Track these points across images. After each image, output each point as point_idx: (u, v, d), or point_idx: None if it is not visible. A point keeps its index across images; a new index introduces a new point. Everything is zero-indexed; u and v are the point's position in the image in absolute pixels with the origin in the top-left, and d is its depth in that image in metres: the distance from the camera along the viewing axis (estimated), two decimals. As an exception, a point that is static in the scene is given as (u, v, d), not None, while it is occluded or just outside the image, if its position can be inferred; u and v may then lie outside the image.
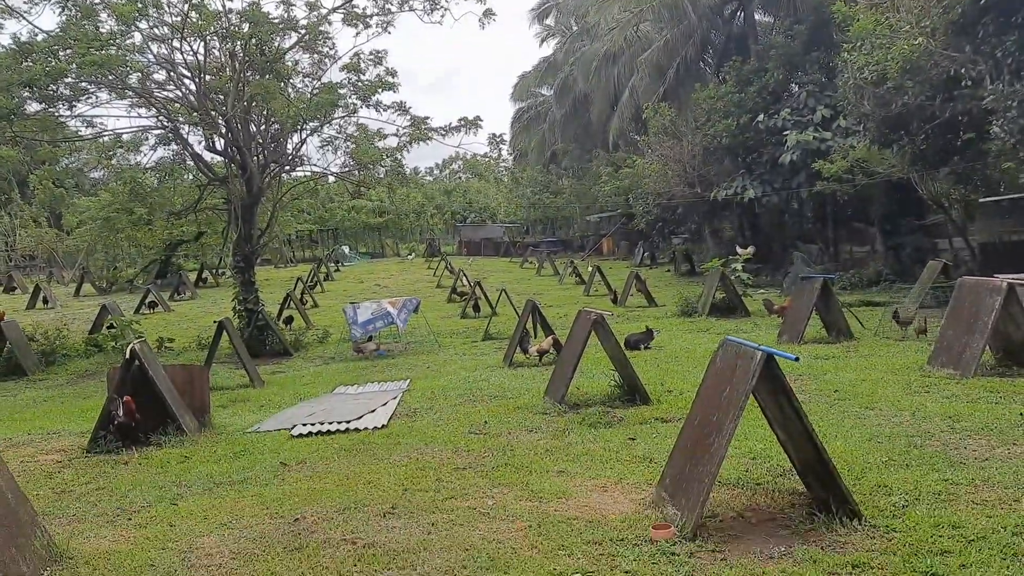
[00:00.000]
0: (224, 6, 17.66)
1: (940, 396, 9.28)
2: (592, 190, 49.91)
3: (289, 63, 19.26)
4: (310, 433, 9.35)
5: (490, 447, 8.17)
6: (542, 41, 60.24)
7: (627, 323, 18.33)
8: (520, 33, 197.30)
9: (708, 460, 5.49)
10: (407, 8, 18.43)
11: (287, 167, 20.61)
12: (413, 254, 61.87)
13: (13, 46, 16.16)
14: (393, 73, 19.21)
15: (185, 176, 20.65)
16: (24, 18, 16.73)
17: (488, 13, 18.11)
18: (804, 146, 25.37)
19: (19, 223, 49.43)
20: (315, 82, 19.91)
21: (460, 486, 6.89)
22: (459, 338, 18.78)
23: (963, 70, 17.49)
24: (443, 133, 19.50)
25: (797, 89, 27.77)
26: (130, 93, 17.68)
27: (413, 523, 6.01)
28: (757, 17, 34.00)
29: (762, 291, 23.77)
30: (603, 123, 44.53)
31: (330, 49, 19.67)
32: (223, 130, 18.03)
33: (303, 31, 18.43)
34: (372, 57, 19.19)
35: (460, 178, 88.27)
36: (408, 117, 19.49)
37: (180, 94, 18.21)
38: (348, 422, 9.73)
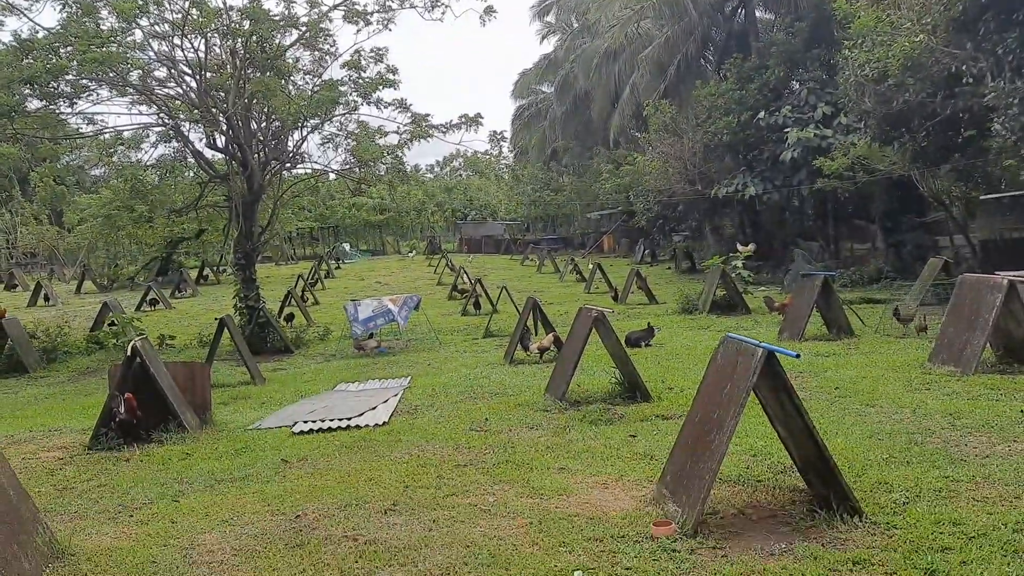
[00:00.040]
0: (225, 3, 17.66)
1: (941, 393, 9.29)
2: (593, 187, 49.88)
3: (290, 60, 19.24)
4: (311, 430, 9.37)
5: (491, 444, 8.18)
6: (543, 38, 60.18)
7: (628, 320, 18.34)
8: (521, 30, 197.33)
9: (709, 457, 5.49)
10: (408, 5, 18.42)
11: (288, 164, 20.61)
12: (414, 252, 61.80)
13: (14, 43, 16.16)
14: (394, 70, 19.20)
15: (186, 173, 20.66)
16: (25, 15, 16.74)
17: (489, 10, 18.10)
18: (805, 143, 25.35)
19: (20, 220, 49.42)
20: (316, 79, 19.91)
21: (461, 483, 6.90)
22: (460, 335, 18.79)
23: (964, 67, 17.47)
24: (444, 130, 19.49)
25: (798, 86, 27.74)
26: (131, 90, 17.68)
27: (414, 520, 6.02)
28: (758, 14, 33.96)
29: (763, 288, 23.76)
30: (604, 120, 44.50)
31: (331, 46, 19.67)
32: (224, 127, 18.02)
33: (304, 28, 18.41)
34: (373, 54, 19.18)
35: (461, 175, 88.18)
36: (409, 114, 19.50)
37: (181, 91, 18.20)
38: (349, 419, 9.74)
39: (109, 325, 20.47)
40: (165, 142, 19.36)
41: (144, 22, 17.27)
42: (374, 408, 10.36)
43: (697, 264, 33.25)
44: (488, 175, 70.60)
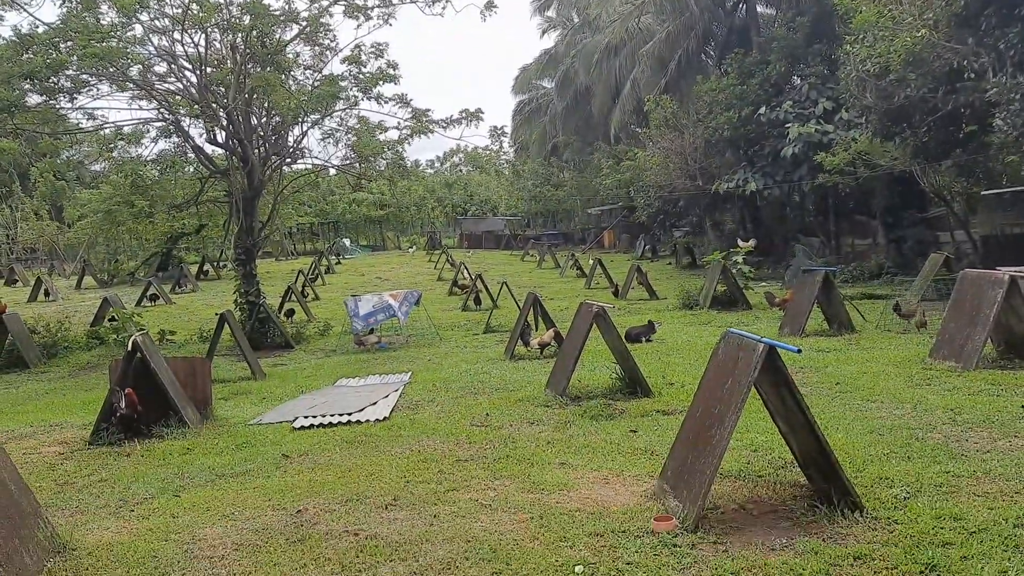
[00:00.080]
0: (225, -2, 17.62)
1: (942, 388, 9.29)
2: (593, 183, 49.88)
3: (290, 55, 19.22)
4: (312, 425, 9.37)
5: (492, 439, 8.18)
6: (543, 33, 60.13)
7: (628, 316, 18.34)
8: (521, 25, 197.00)
9: (710, 452, 5.49)
10: (408, 0, 18.37)
11: (288, 160, 20.58)
12: (414, 247, 61.81)
13: (14, 38, 16.12)
14: (394, 65, 19.16)
15: (186, 169, 20.62)
16: (25, 10, 16.70)
17: (490, 5, 18.03)
18: (806, 139, 25.33)
19: (20, 216, 49.44)
20: (316, 74, 19.90)
21: (462, 478, 6.90)
22: (460, 331, 18.79)
23: (965, 62, 17.45)
24: (444, 126, 19.46)
25: (799, 81, 27.72)
26: (131, 85, 17.65)
27: (415, 515, 6.02)
28: (759, 9, 33.90)
29: (763, 284, 23.75)
30: (604, 116, 44.46)
31: (331, 41, 19.62)
32: (224, 122, 18.00)
33: (304, 23, 18.36)
34: (373, 50, 19.14)
35: (461, 171, 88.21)
36: (409, 109, 19.46)
37: (181, 86, 18.18)
38: (350, 414, 9.74)
39: (109, 320, 20.47)
40: (165, 137, 19.34)
41: (144, 17, 17.25)
42: (375, 403, 10.36)
43: (698, 260, 33.28)
44: (488, 170, 70.60)
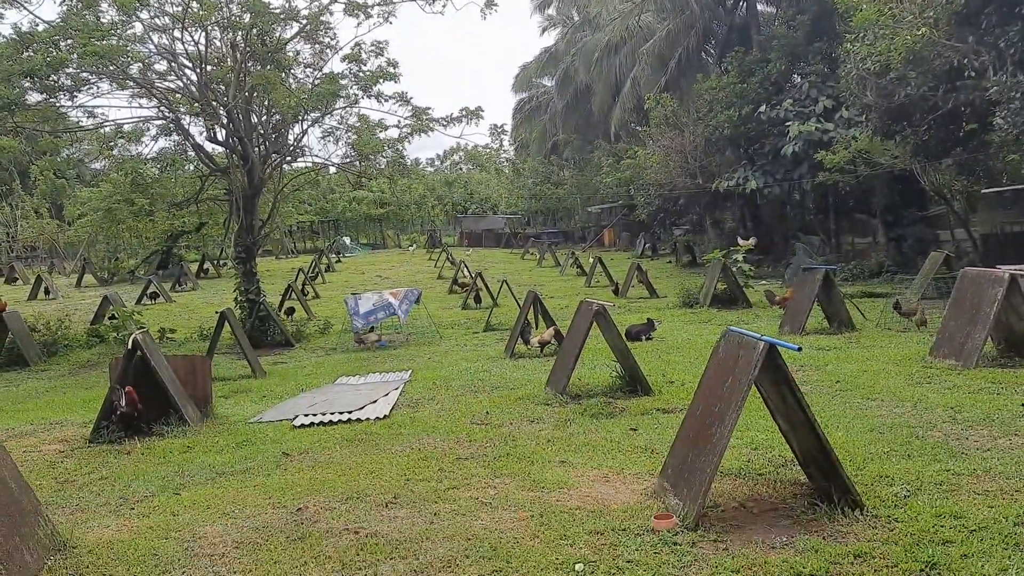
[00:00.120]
0: (225, -4, 17.60)
1: (942, 387, 9.29)
2: (593, 181, 49.86)
3: (290, 53, 19.20)
4: (312, 423, 9.37)
5: (492, 437, 8.18)
6: (543, 31, 60.11)
7: (628, 314, 18.33)
8: (522, 23, 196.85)
9: (710, 450, 5.49)
10: (408, -3, 18.35)
11: (288, 158, 20.57)
12: (414, 245, 61.80)
13: (14, 36, 16.12)
14: (394, 64, 19.13)
15: (186, 167, 20.60)
16: (25, 8, 16.70)
17: (490, 3, 18.00)
18: (806, 137, 25.32)
19: (20, 214, 49.45)
20: (316, 73, 19.87)
21: (462, 476, 6.90)
22: (460, 329, 18.79)
23: (966, 61, 17.44)
24: (444, 124, 19.43)
25: (799, 80, 27.70)
26: (131, 83, 17.64)
27: (415, 513, 6.02)
28: (759, 7, 33.89)
29: (764, 282, 23.75)
30: (605, 114, 44.43)
31: (331, 39, 19.58)
32: (224, 121, 17.99)
33: (304, 21, 18.35)
34: (373, 48, 19.12)
35: (461, 169, 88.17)
36: (409, 108, 19.44)
37: (181, 84, 18.16)
38: (350, 412, 9.75)
39: (110, 319, 20.47)
40: (165, 135, 19.33)
41: (144, 15, 17.23)
42: (375, 401, 10.36)
43: (698, 258, 33.27)
44: (489, 169, 70.55)
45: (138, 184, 19.01)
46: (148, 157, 19.75)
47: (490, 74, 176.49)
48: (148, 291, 29.58)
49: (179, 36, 17.77)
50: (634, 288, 23.99)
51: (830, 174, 23.68)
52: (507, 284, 22.93)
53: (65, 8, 16.39)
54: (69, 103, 17.61)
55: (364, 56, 19.03)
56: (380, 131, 19.93)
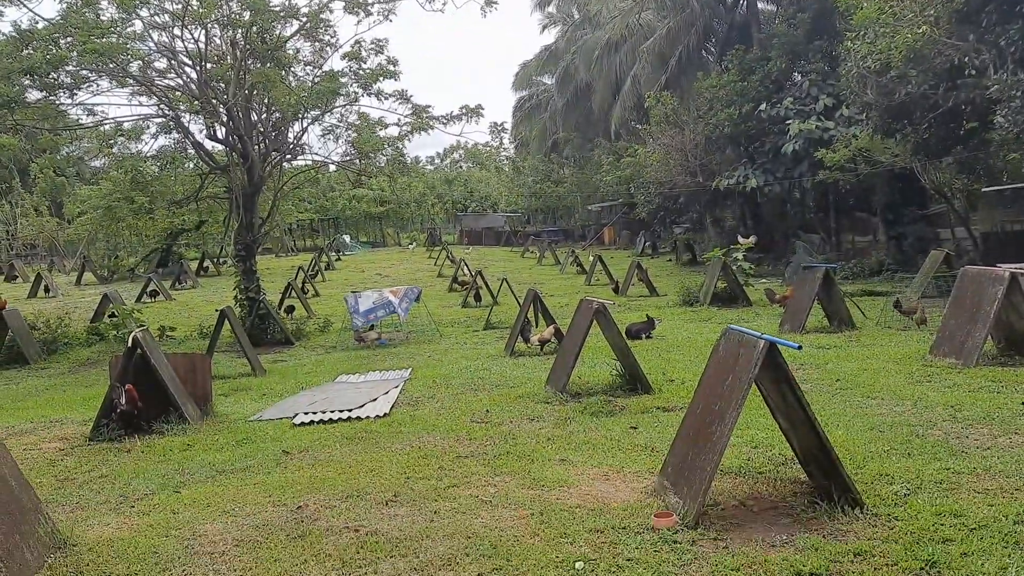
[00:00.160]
0: (225, -7, 17.58)
1: (942, 385, 9.29)
2: (594, 179, 49.85)
3: (290, 51, 19.18)
4: (312, 422, 9.37)
5: (492, 436, 8.18)
6: (543, 29, 60.10)
7: (628, 312, 18.33)
8: (522, 21, 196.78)
9: (710, 449, 5.49)
10: (409, -5, 18.36)
11: (288, 156, 20.57)
12: (414, 243, 61.82)
13: (14, 34, 16.11)
14: (394, 62, 19.14)
15: (186, 165, 20.61)
16: (24, 5, 16.69)
17: (490, 1, 18.01)
18: (807, 135, 25.31)
19: (20, 212, 49.44)
20: (316, 70, 19.86)
21: (462, 474, 6.90)
22: (460, 327, 18.79)
23: (967, 59, 17.43)
24: (444, 122, 19.44)
25: (800, 78, 27.68)
26: (131, 81, 17.61)
27: (415, 511, 6.02)
28: (760, 5, 33.86)
29: (764, 281, 23.75)
30: (605, 112, 44.43)
31: (331, 37, 19.59)
32: (224, 118, 17.98)
33: (304, 19, 18.35)
34: (373, 46, 19.12)
35: (461, 167, 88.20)
36: (409, 106, 19.45)
37: (181, 82, 18.15)
38: (350, 411, 9.75)
39: (109, 316, 20.47)
40: (165, 133, 19.34)
41: (144, 12, 17.23)
42: (375, 400, 10.36)
43: (698, 256, 33.26)
44: (488, 167, 70.58)
45: (138, 182, 19.02)
46: (148, 155, 19.77)
47: (490, 72, 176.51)
48: (148, 289, 29.56)
49: (179, 34, 17.78)
50: (634, 286, 23.98)
51: (830, 172, 23.67)
52: (507, 282, 22.93)
53: (65, 6, 16.39)
54: (69, 101, 17.64)
55: (364, 54, 19.04)
56: (380, 129, 19.95)
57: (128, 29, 16.90)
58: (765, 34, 30.70)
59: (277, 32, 18.31)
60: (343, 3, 18.23)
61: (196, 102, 17.52)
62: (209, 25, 17.63)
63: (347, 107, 19.97)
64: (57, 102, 17.64)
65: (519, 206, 69.79)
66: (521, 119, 64.40)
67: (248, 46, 17.79)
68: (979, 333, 10.16)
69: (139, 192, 19.22)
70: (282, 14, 17.93)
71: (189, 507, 6.43)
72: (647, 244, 43.19)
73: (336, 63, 33.42)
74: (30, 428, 9.93)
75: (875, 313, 15.52)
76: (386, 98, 19.27)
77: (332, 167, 23.88)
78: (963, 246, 23.77)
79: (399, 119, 19.69)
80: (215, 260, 44.22)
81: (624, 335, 10.93)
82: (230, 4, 17.52)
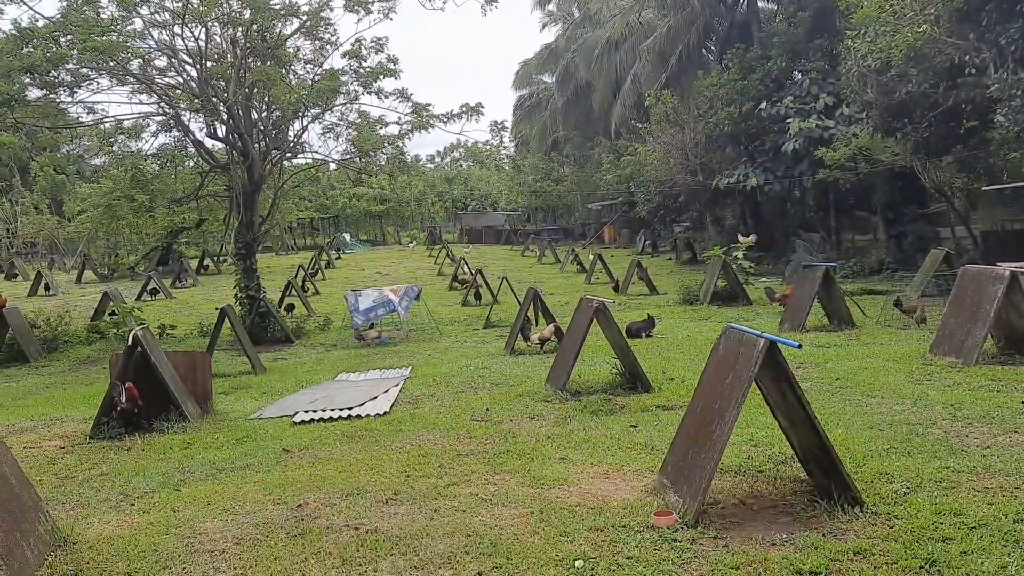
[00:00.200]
0: (225, -8, 17.57)
1: (942, 384, 9.29)
2: (594, 178, 49.82)
3: (290, 49, 19.19)
4: (312, 420, 9.37)
5: (492, 434, 8.18)
6: (543, 27, 60.10)
7: (628, 311, 18.33)
8: (522, 19, 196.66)
9: (710, 447, 5.49)
10: (409, -7, 18.36)
11: (288, 154, 20.57)
12: (414, 242, 61.82)
13: (14, 32, 16.11)
14: (394, 60, 19.14)
15: (186, 163, 20.61)
16: (25, 3, 16.68)
17: (490, -1, 18.01)
18: (807, 134, 25.30)
19: (20, 210, 49.42)
20: (316, 69, 19.87)
21: (462, 472, 6.91)
22: (460, 326, 18.79)
23: (967, 58, 17.43)
24: (444, 120, 19.46)
25: (800, 77, 27.66)
26: (131, 79, 17.62)
27: (415, 509, 6.03)
28: (760, 4, 33.84)
29: (764, 279, 23.75)
30: (605, 111, 44.40)
31: (331, 36, 19.60)
32: (224, 117, 17.98)
33: (304, 17, 18.35)
34: (373, 44, 19.12)
35: (461, 166, 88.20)
36: (410, 104, 19.45)
37: (181, 80, 18.15)
38: (350, 409, 9.75)
39: (110, 315, 20.45)
40: (166, 131, 19.34)
41: (144, 11, 17.23)
42: (375, 398, 10.37)
43: (698, 255, 33.25)
44: (489, 165, 70.57)
45: (138, 180, 19.02)
46: (148, 153, 19.77)
47: (490, 70, 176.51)
48: (148, 287, 29.57)
49: (179, 32, 17.79)
50: (634, 285, 23.98)
51: (830, 171, 23.67)
52: (507, 281, 22.94)
53: (65, 4, 16.37)
54: (69, 99, 17.64)
55: (364, 52, 19.04)
56: (380, 127, 19.95)
57: (128, 27, 16.91)
58: (765, 33, 30.69)
59: (277, 30, 18.31)
60: (343, 1, 18.23)
61: (196, 100, 17.52)
62: (209, 23, 17.63)
63: (347, 105, 20.00)
64: (57, 100, 17.64)
65: (519, 205, 69.80)
66: (521, 117, 64.37)
67: (248, 44, 17.79)
68: (979, 332, 10.16)
69: (139, 190, 19.20)
70: (282, 12, 17.94)
71: (189, 505, 6.43)
72: (647, 243, 43.19)
73: (336, 61, 33.46)
74: (30, 426, 9.94)
75: (875, 312, 15.52)
76: (386, 96, 19.29)
77: (332, 165, 23.90)
78: (963, 245, 23.76)
79: (399, 117, 19.73)
80: (215, 258, 44.22)
81: (624, 334, 10.93)
82: (230, 2, 17.52)
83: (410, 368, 12.93)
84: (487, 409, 9.36)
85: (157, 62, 18.48)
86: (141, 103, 19.00)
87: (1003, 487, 5.81)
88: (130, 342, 9.11)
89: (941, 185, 23.01)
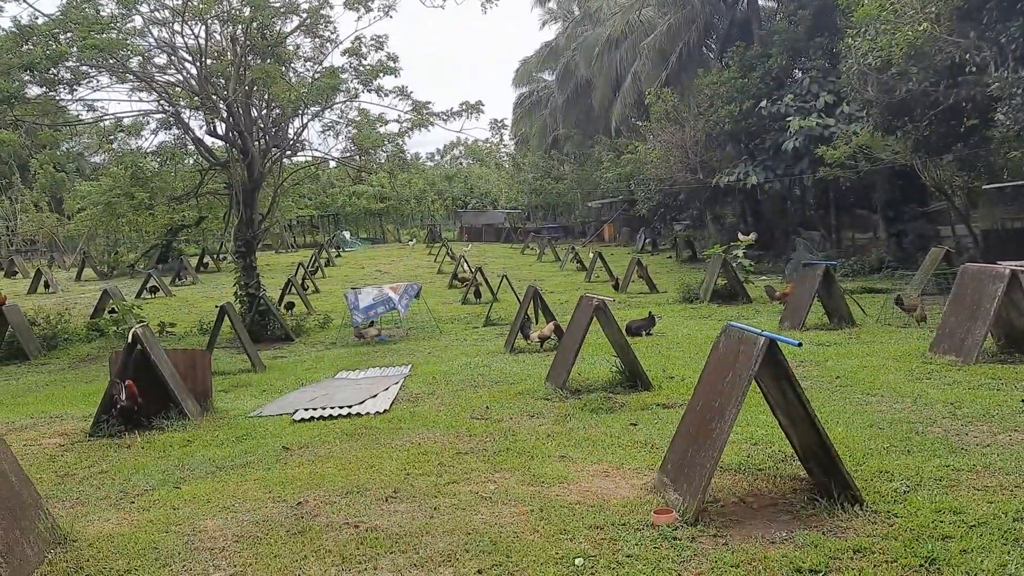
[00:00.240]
0: (225, -11, 17.56)
1: (942, 383, 9.29)
2: (594, 176, 49.79)
3: (290, 47, 19.17)
4: (312, 418, 9.38)
5: (492, 432, 8.18)
6: (543, 25, 60.04)
7: (628, 309, 18.34)
8: (522, 17, 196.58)
9: (710, 445, 5.49)
10: (409, -9, 18.35)
11: (288, 152, 20.56)
12: (414, 240, 61.80)
13: (14, 29, 16.09)
14: (394, 58, 19.13)
15: (186, 161, 20.59)
16: (24, 1, 16.68)
17: (490, -4, 18.00)
18: (807, 132, 25.28)
19: (20, 208, 49.36)
20: (316, 66, 19.85)
21: (462, 471, 6.91)
22: (460, 324, 18.79)
23: (967, 56, 17.40)
24: (445, 118, 19.44)
25: (800, 75, 27.63)
26: (131, 77, 17.61)
27: (415, 507, 6.03)
28: (760, 2, 33.79)
29: (764, 278, 23.75)
30: (605, 109, 44.36)
31: (331, 33, 19.58)
32: (224, 114, 17.97)
33: (304, 15, 18.33)
34: (373, 42, 19.10)
35: (461, 164, 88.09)
36: (410, 102, 19.44)
37: (181, 78, 18.14)
38: (350, 407, 9.75)
39: (109, 312, 20.45)
40: (165, 129, 19.31)
41: (144, 8, 17.23)
42: (375, 396, 10.37)
43: (698, 253, 33.24)
44: (489, 163, 70.50)
45: (138, 178, 18.99)
46: (148, 151, 19.75)
47: (490, 68, 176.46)
48: (148, 285, 29.58)
49: (179, 30, 17.77)
50: (634, 283, 23.98)
51: (831, 169, 23.65)
52: (507, 279, 22.94)
53: (65, 1, 16.35)
54: (69, 96, 17.63)
55: (364, 50, 19.04)
56: (380, 125, 19.93)
57: (128, 25, 16.91)
58: (766, 31, 30.65)
59: (277, 28, 18.29)
60: (344, -1, 18.22)
61: (196, 98, 17.51)
62: (209, 21, 17.62)
63: (347, 103, 19.98)
64: (57, 98, 17.63)
65: (519, 203, 69.74)
66: (521, 115, 64.29)
67: (248, 42, 17.77)
68: (979, 330, 10.16)
69: (139, 188, 19.17)
70: (282, 10, 17.92)
71: (189, 503, 6.43)
72: (647, 241, 43.16)
73: (336, 59, 33.42)
74: (30, 424, 9.94)
75: (875, 310, 15.52)
76: (386, 94, 19.28)
77: (332, 163, 23.88)
78: (963, 243, 23.76)
79: (399, 115, 19.72)
80: (215, 256, 44.20)
81: (624, 332, 10.93)
82: (230, 0, 17.50)
83: (410, 366, 12.93)
84: (487, 407, 9.36)
85: (157, 60, 18.49)
86: (141, 101, 19.08)
87: (1003, 485, 5.81)
88: (130, 340, 9.12)
89: (941, 183, 22.99)
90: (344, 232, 63.40)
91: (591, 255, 30.15)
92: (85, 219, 25.89)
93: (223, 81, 18.02)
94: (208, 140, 19.48)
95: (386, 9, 18.62)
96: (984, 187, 22.80)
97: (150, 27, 17.71)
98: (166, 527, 5.87)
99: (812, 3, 28.00)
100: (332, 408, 9.72)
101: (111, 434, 8.81)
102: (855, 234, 30.89)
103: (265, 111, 19.47)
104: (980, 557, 4.68)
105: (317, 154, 22.28)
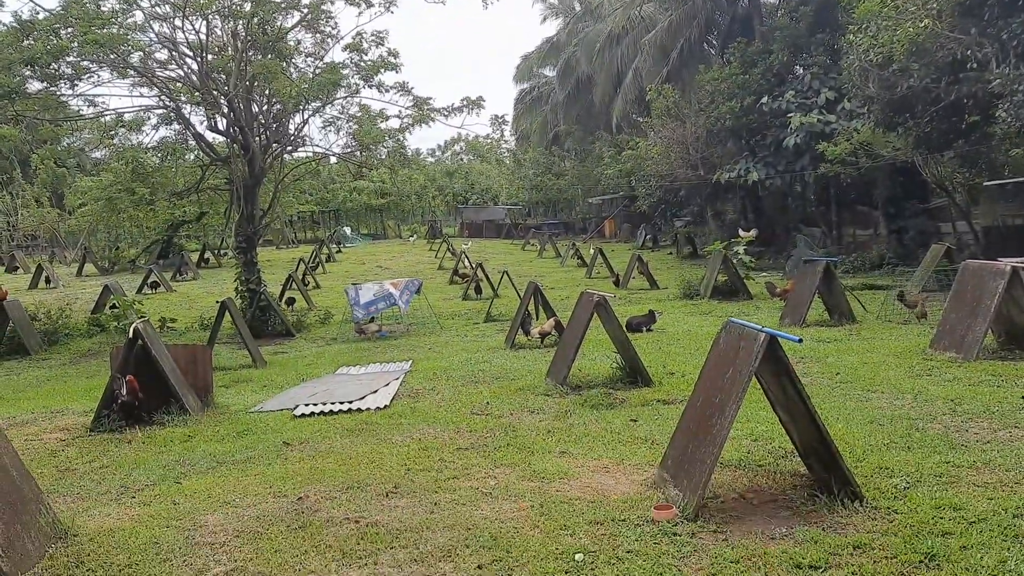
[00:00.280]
0: (226, -16, 17.54)
1: (942, 379, 9.29)
2: (595, 172, 49.77)
3: (291, 43, 19.16)
4: (312, 413, 9.39)
5: (492, 428, 8.19)
6: (544, 19, 60.07)
7: (629, 305, 18.34)
8: (523, 12, 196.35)
9: (710, 442, 5.50)
10: (410, -14, 18.37)
11: (289, 147, 20.55)
12: (415, 236, 61.77)
13: (15, 24, 16.08)
14: (395, 54, 19.10)
15: (187, 156, 20.59)
16: (25, -4, 16.65)
17: (491, -8, 17.98)
18: (808, 128, 25.26)
19: (21, 203, 49.38)
20: (317, 62, 19.84)
21: (462, 466, 6.91)
22: (461, 320, 18.80)
23: (969, 52, 17.37)
24: (445, 114, 19.42)
25: (802, 71, 27.60)
26: (132, 72, 17.60)
27: (416, 502, 6.03)
28: (762, -2, 33.78)
29: (764, 274, 23.71)
30: (606, 105, 44.36)
31: (332, 29, 19.56)
32: (225, 110, 17.96)
33: (305, 10, 18.31)
34: (374, 37, 19.08)
35: (462, 160, 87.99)
36: (411, 98, 19.42)
37: (182, 73, 18.14)
38: (351, 402, 9.75)
39: (110, 308, 20.48)
40: (166, 124, 19.32)
41: (145, 3, 17.22)
42: (375, 391, 10.38)
43: (699, 249, 33.26)
44: (489, 159, 70.43)
45: (139, 173, 18.99)
46: (149, 146, 19.75)
47: (491, 64, 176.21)
48: (149, 280, 29.59)
49: (180, 25, 17.76)
50: (635, 279, 23.98)
51: (832, 166, 23.62)
52: (508, 275, 22.94)
53: (66, -4, 16.36)
54: (70, 92, 17.61)
55: (365, 46, 19.01)
56: (381, 121, 19.92)
57: (129, 20, 16.90)
58: (767, 27, 30.61)
59: (278, 23, 18.28)
60: (344, -6, 18.20)
61: (197, 93, 17.51)
62: (210, 16, 17.61)
63: (348, 99, 19.95)
64: (58, 93, 17.62)
65: (520, 199, 69.70)
66: (522, 111, 64.25)
67: (249, 37, 17.76)
68: (979, 327, 10.16)
69: (140, 183, 19.17)
70: (283, 5, 17.90)
71: (190, 498, 6.44)
72: (648, 237, 43.14)
73: (337, 55, 33.41)
74: (31, 419, 9.96)
75: (876, 307, 15.52)
76: (387, 90, 19.26)
77: (333, 159, 23.88)
78: (964, 240, 23.73)
79: (400, 111, 19.69)
80: (216, 252, 44.21)
81: (624, 328, 10.93)
82: (231, -5, 17.50)
83: (410, 362, 12.94)
84: (487, 403, 9.37)
85: (158, 55, 18.48)
86: (142, 96, 19.04)
87: (1003, 482, 5.82)
88: (131, 335, 9.12)
89: (942, 180, 22.96)
90: (345, 228, 63.39)
91: (592, 251, 30.15)
92: (86, 214, 25.92)
93: (224, 77, 18.01)
94: (209, 136, 19.49)
95: (387, 4, 18.61)
96: (985, 184, 22.77)
97: (151, 22, 17.72)
98: (167, 522, 5.88)
99: (814, -1, 27.98)
100: (333, 404, 9.73)
101: (112, 429, 8.83)
102: (856, 230, 30.87)
103: (266, 107, 19.46)
104: (980, 553, 4.68)
105: (318, 150, 22.34)
